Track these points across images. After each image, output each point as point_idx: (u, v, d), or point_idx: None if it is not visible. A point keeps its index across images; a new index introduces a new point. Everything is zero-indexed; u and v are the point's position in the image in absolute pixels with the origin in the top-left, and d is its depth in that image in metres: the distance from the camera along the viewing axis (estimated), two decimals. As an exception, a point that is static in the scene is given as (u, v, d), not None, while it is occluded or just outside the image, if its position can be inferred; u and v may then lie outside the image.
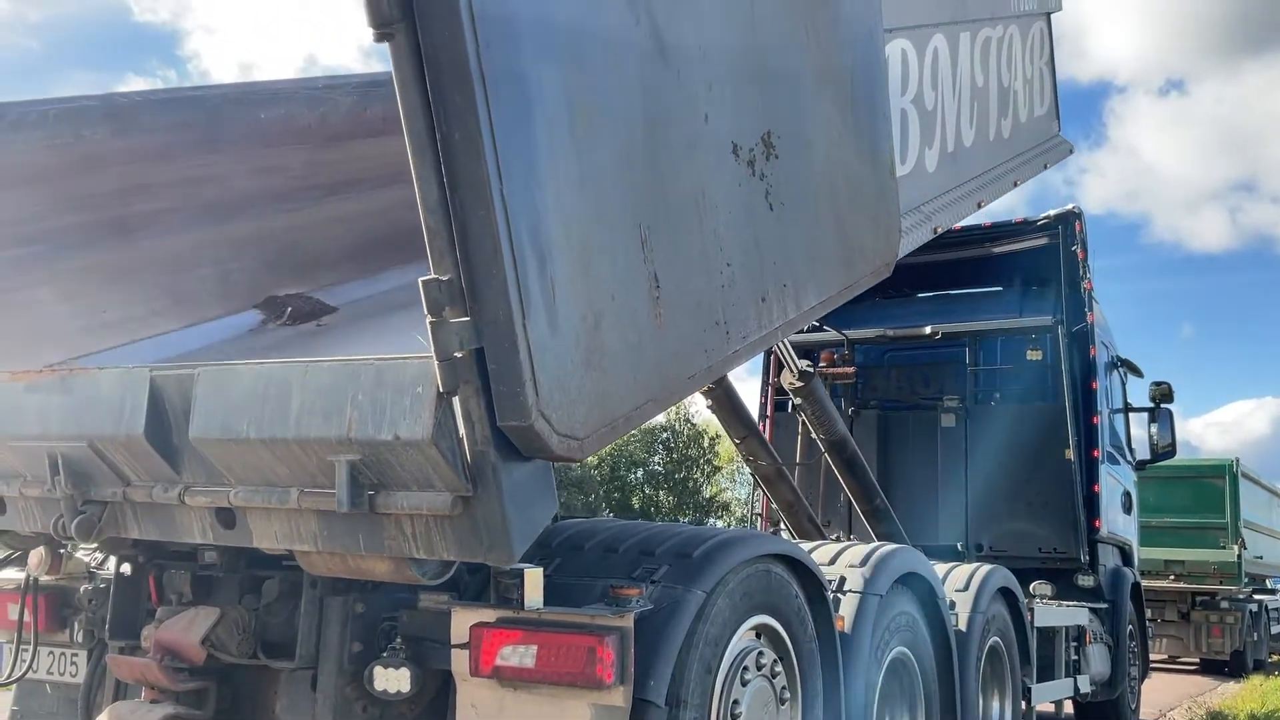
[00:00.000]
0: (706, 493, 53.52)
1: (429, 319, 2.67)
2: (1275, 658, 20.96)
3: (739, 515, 52.21)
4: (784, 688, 4.18)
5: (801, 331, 10.06)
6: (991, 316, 9.83)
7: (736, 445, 7.76)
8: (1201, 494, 18.23)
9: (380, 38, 2.53)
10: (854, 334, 9.77)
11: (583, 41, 3.05)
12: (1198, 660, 18.21)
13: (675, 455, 52.75)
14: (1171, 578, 17.56)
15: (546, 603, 3.57)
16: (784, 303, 3.96)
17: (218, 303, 5.56)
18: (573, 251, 2.91)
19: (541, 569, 3.45)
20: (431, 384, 2.75)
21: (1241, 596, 17.95)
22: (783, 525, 8.96)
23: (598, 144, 3.07)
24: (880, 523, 8.13)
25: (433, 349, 2.67)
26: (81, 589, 4.33)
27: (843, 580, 4.91)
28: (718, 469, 53.83)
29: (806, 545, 5.43)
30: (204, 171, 5.45)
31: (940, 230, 6.01)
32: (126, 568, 4.10)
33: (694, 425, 52.16)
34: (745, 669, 3.94)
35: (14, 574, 4.53)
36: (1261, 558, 19.69)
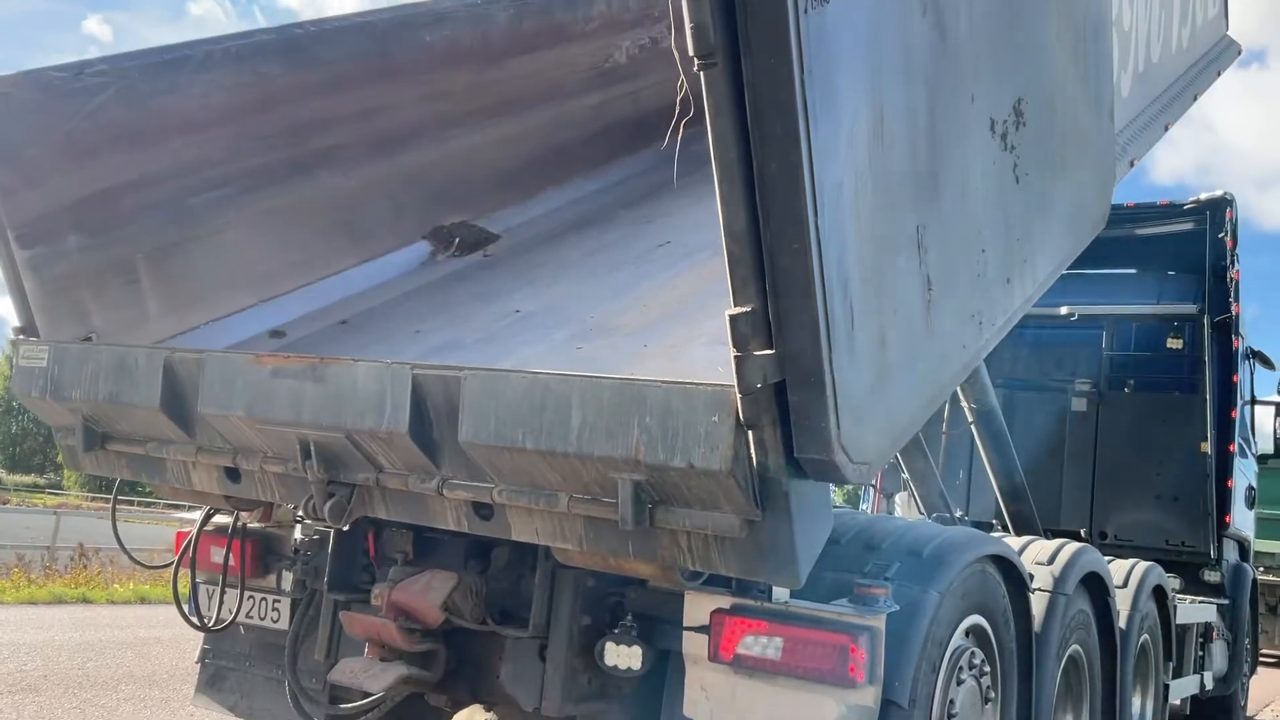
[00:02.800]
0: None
1: (734, 353, 2.58)
2: (1358, 656, 20.58)
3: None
4: (989, 687, 4.14)
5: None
6: (1127, 300, 9.58)
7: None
8: (1295, 486, 17.82)
9: (704, 67, 2.42)
10: (985, 311, 9.58)
11: (882, 45, 2.91)
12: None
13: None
14: (1260, 570, 17.23)
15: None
16: (1024, 281, 3.87)
17: (389, 235, 5.60)
18: (868, 273, 2.81)
19: (792, 561, 3.41)
20: (729, 414, 2.68)
21: (1331, 593, 17.60)
22: (898, 499, 8.89)
23: (892, 154, 2.95)
24: (1016, 501, 8.01)
25: (736, 383, 2.59)
26: (295, 538, 4.38)
27: (1031, 578, 4.83)
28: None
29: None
30: (374, 102, 5.49)
31: (1136, 163, 5.74)
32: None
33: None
34: (960, 669, 3.90)
35: (220, 518, 4.60)
36: (1353, 554, 19.27)
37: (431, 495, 3.31)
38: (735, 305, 2.56)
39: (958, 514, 8.94)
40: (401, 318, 5.10)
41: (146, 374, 3.73)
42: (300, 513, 3.66)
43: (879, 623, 3.29)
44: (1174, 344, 9.22)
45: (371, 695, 3.93)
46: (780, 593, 3.39)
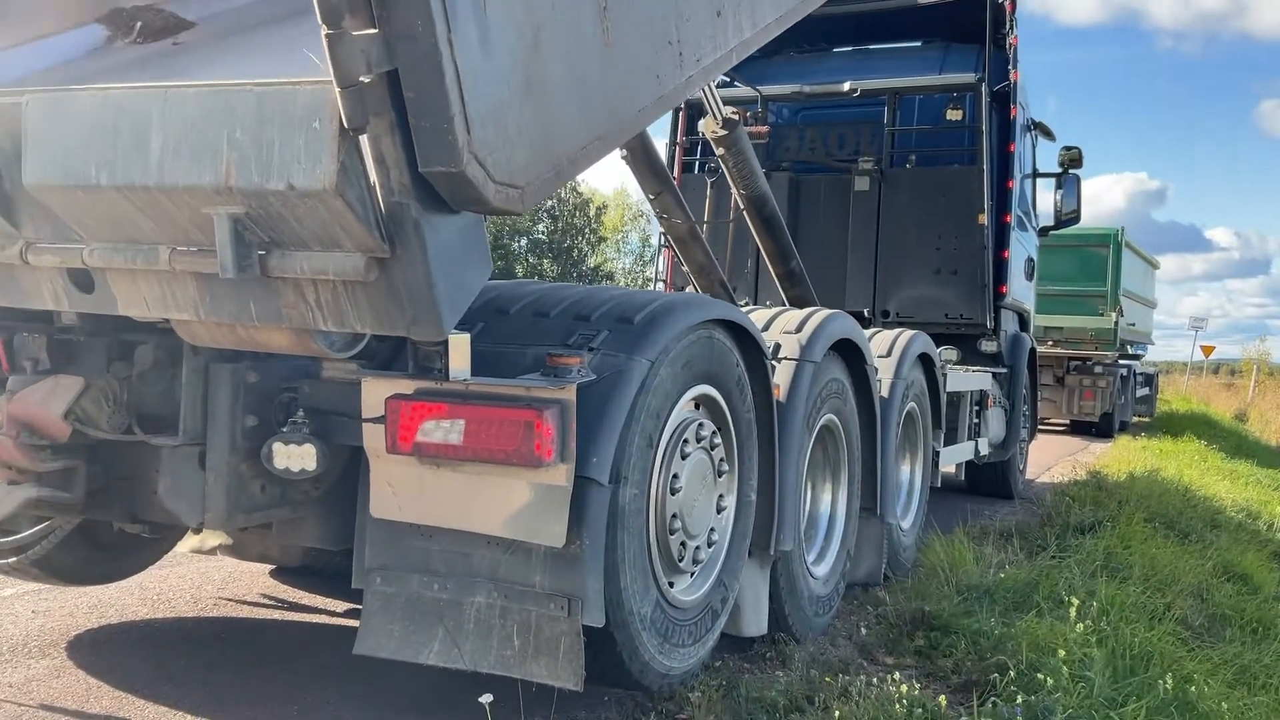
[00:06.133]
0: (591, 262, 53.59)
1: (325, 31, 2.09)
2: (1137, 420, 22.14)
3: (624, 283, 52.37)
4: (722, 460, 3.89)
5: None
6: (912, 73, 9.34)
7: (650, 201, 7.28)
8: (1085, 262, 18.60)
9: None
10: (768, 90, 9.22)
11: None
12: (1068, 421, 19.08)
13: (560, 224, 52.30)
14: (1050, 344, 18.10)
15: (474, 373, 3.15)
16: (739, 19, 3.44)
17: (51, 16, 4.73)
18: None
19: (468, 335, 3.00)
20: (332, 117, 2.19)
21: (1114, 362, 18.66)
22: (689, 290, 8.64)
23: None
24: (794, 286, 7.86)
25: (331, 72, 2.11)
26: None
27: (778, 347, 4.59)
28: (603, 239, 53.70)
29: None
30: None
31: None
32: (-35, 331, 3.49)
33: (580, 194, 51.57)
34: (685, 441, 3.62)
35: None
36: (1134, 325, 20.44)
37: (18, 265, 2.75)
38: None
39: (743, 303, 8.78)
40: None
41: None
42: None
43: (568, 394, 2.93)
44: (953, 115, 9.06)
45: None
46: (459, 370, 2.98)
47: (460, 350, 2.95)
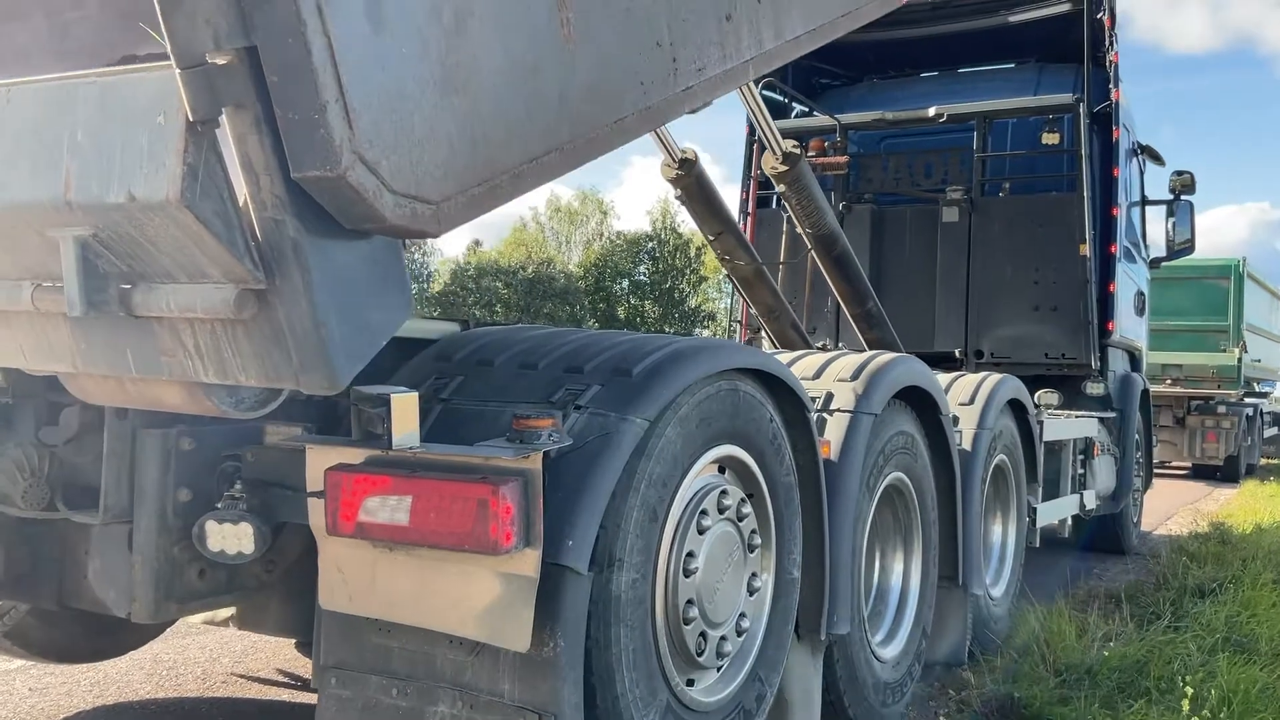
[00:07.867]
0: (692, 303, 53.33)
1: None
2: (1265, 462, 20.64)
3: (725, 325, 52.05)
4: (753, 531, 3.33)
5: (787, 116, 8.97)
6: (1004, 96, 8.67)
7: (710, 242, 6.77)
8: (1204, 295, 17.43)
9: None
10: (847, 119, 8.66)
11: None
12: (1189, 465, 17.80)
13: (661, 265, 52.22)
14: (1168, 382, 16.95)
15: (437, 437, 2.67)
16: (757, 26, 2.90)
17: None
18: None
19: (416, 394, 2.51)
20: (179, 110, 1.74)
21: (1238, 401, 17.38)
22: (764, 333, 8.09)
23: None
24: (872, 328, 7.23)
25: (168, 46, 1.67)
26: None
27: (830, 397, 4.02)
28: (704, 279, 53.39)
29: (786, 356, 4.53)
30: None
31: None
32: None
33: (679, 235, 51.44)
34: (703, 513, 3.07)
35: None
36: (1260, 361, 19.09)
37: None
38: None
39: (819, 345, 8.19)
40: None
41: None
42: None
43: (532, 464, 2.41)
44: (1050, 139, 8.35)
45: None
46: (403, 436, 2.48)
47: (405, 412, 2.46)
